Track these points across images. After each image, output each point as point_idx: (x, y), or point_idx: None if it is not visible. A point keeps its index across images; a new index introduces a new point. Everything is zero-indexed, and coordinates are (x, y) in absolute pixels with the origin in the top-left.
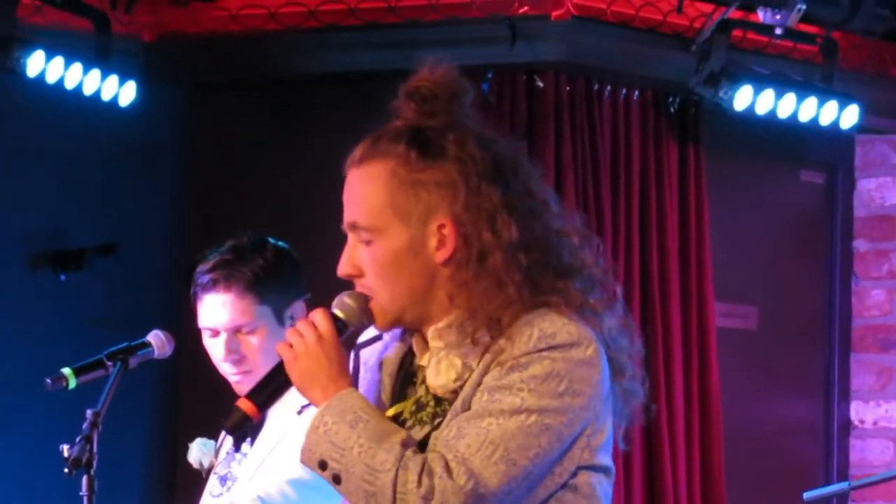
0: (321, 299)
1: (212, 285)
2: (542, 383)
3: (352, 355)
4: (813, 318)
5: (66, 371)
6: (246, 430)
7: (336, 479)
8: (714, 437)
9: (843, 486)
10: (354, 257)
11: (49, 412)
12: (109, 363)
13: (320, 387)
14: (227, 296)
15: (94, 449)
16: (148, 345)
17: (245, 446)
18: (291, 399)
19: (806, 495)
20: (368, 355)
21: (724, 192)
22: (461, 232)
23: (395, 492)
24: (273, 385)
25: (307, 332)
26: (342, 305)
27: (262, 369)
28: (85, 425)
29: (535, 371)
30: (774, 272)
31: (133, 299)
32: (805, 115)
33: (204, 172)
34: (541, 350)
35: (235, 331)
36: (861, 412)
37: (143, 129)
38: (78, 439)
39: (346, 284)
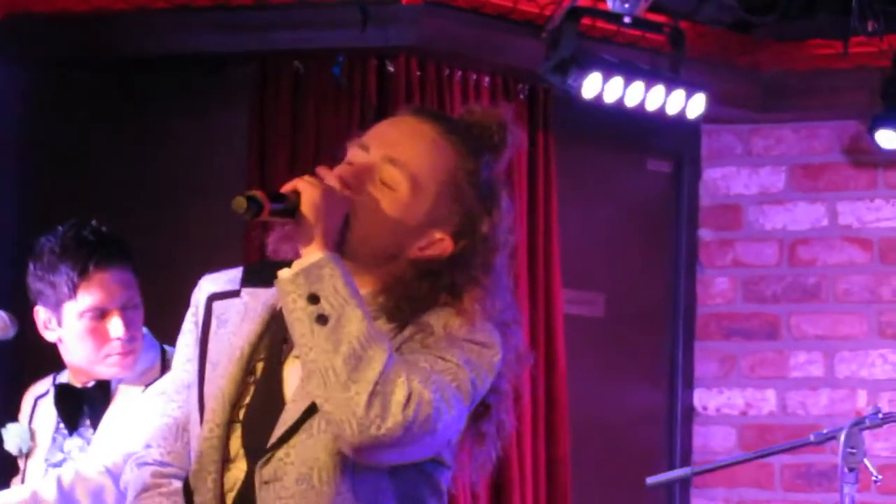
0: (172, 275)
1: (107, 262)
2: (465, 363)
3: (202, 304)
4: (658, 305)
5: None
6: (249, 213)
7: (320, 320)
8: (560, 423)
9: (685, 471)
10: (363, 177)
11: None
12: None
13: (326, 229)
14: (125, 272)
15: None
16: None
17: (84, 430)
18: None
19: (649, 481)
20: (223, 309)
21: (572, 179)
22: (450, 254)
23: (383, 370)
24: (282, 199)
25: (337, 183)
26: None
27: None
28: None
29: (456, 351)
30: (621, 259)
31: None
32: (652, 104)
33: (52, 154)
34: (465, 339)
35: (129, 307)
36: (704, 399)
37: None
38: None
39: (190, 275)
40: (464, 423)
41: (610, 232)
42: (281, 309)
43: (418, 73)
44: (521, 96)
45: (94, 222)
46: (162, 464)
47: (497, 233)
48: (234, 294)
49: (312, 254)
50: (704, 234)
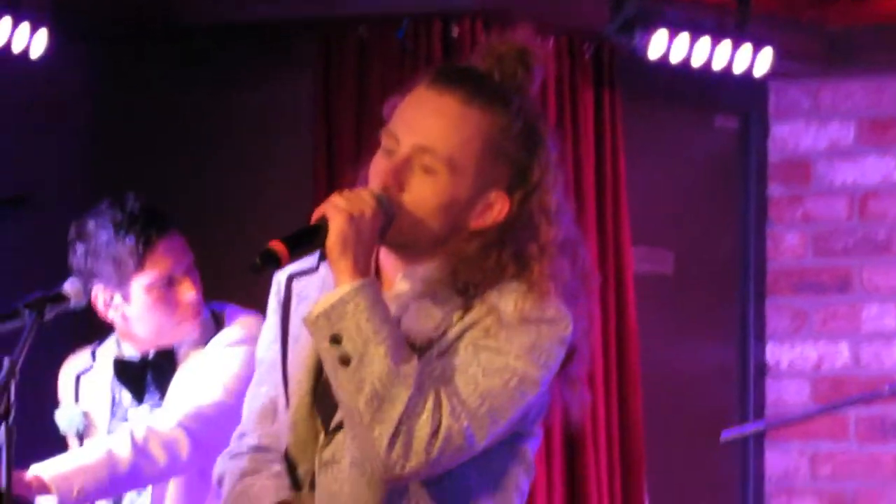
0: (233, 246)
1: (166, 230)
2: (528, 352)
3: (282, 285)
4: (728, 261)
5: None
6: (269, 268)
7: (344, 361)
8: (632, 381)
9: (759, 425)
10: (402, 173)
11: None
12: (25, 312)
13: (355, 258)
14: (179, 236)
15: (12, 399)
16: (63, 295)
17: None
18: (217, 339)
19: (724, 435)
20: (302, 287)
21: (639, 138)
22: (510, 211)
23: (406, 408)
24: (306, 239)
25: (362, 202)
26: (381, 200)
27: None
28: (1, 374)
29: (522, 339)
30: (690, 217)
31: (46, 252)
32: (719, 62)
33: (114, 124)
34: (531, 320)
35: (191, 269)
36: (776, 354)
37: (52, 80)
38: None
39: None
40: (536, 403)
41: (678, 190)
42: None
43: (483, 37)
44: (587, 57)
45: (131, 196)
46: (258, 449)
47: (548, 173)
48: (312, 271)
49: (339, 288)
50: (773, 189)
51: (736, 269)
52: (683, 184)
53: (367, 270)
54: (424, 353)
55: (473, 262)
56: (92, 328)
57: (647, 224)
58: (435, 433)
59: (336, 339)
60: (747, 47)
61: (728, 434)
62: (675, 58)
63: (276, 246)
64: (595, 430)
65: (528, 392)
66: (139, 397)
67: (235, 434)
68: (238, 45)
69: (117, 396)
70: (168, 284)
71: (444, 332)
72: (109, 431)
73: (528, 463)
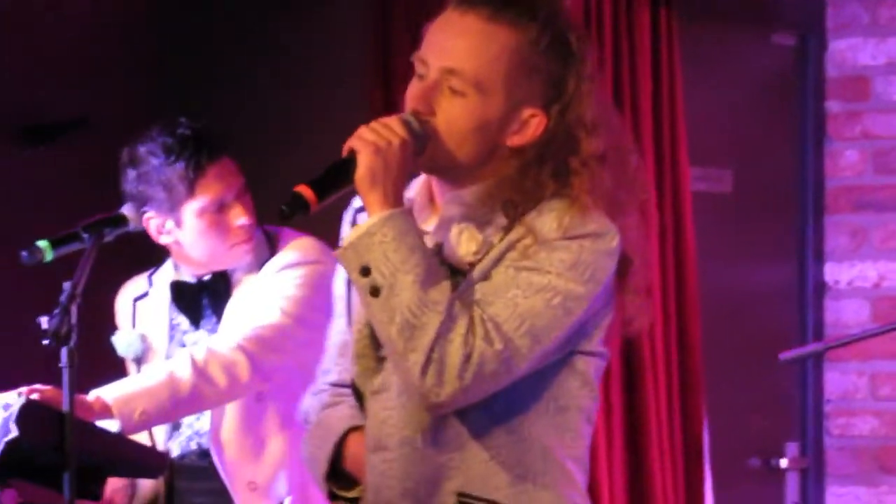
0: (289, 168)
1: (217, 154)
2: (569, 269)
3: (350, 218)
4: (786, 180)
5: (42, 244)
6: (298, 214)
7: (374, 291)
8: (690, 302)
9: (818, 345)
10: (432, 98)
11: (26, 285)
12: (85, 235)
13: (384, 189)
14: (231, 160)
15: (73, 321)
16: (123, 217)
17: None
18: (272, 262)
19: (782, 356)
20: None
21: (696, 55)
22: (549, 126)
23: (437, 335)
24: (333, 178)
25: (389, 132)
26: (412, 125)
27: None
28: (63, 297)
29: (563, 256)
30: (748, 135)
31: (109, 172)
32: None
33: (178, 44)
34: (571, 237)
35: (243, 193)
36: (835, 273)
37: (115, 2)
38: (56, 311)
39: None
40: (593, 319)
41: (735, 108)
42: (411, 202)
43: None
44: None
45: (183, 119)
46: (338, 384)
47: (584, 84)
48: None
49: (367, 220)
50: (831, 106)
51: (794, 187)
52: (740, 102)
53: (398, 200)
54: (465, 277)
55: (513, 182)
56: (150, 252)
57: (705, 143)
58: (467, 358)
59: (365, 271)
60: None
61: (787, 355)
62: None
63: (304, 190)
64: (653, 351)
65: (573, 308)
66: (195, 321)
67: (320, 370)
68: None
69: (175, 320)
70: (219, 209)
71: (485, 255)
72: (167, 356)
73: (590, 384)
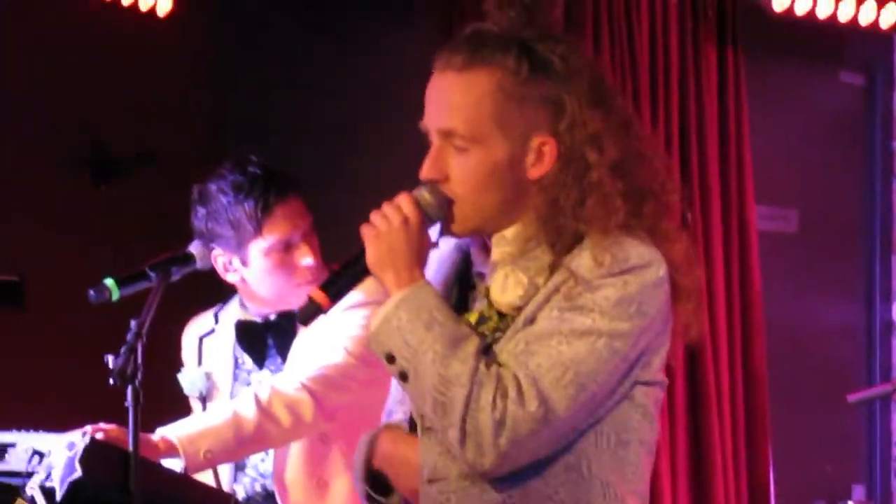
0: (356, 206)
1: (285, 194)
2: (613, 306)
3: None
4: (853, 218)
5: (109, 282)
6: (313, 319)
7: (402, 377)
8: (756, 340)
9: (886, 387)
10: (442, 162)
11: (93, 323)
12: (152, 274)
13: (395, 270)
14: (299, 200)
15: (139, 360)
16: (190, 256)
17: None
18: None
19: (850, 398)
20: (441, 254)
21: (763, 94)
22: (561, 150)
23: (467, 408)
24: (348, 274)
25: (393, 213)
26: (423, 199)
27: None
28: (129, 336)
29: (607, 293)
30: (814, 174)
31: (177, 210)
32: (844, 16)
33: (241, 80)
34: (614, 273)
35: (310, 233)
36: None
37: (180, 37)
38: (122, 350)
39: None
40: (649, 350)
41: (802, 146)
42: (469, 246)
43: None
44: (710, 13)
45: (253, 157)
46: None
47: (584, 95)
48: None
49: (383, 307)
50: None
51: (861, 226)
52: (808, 140)
53: (412, 277)
54: (511, 322)
55: (548, 215)
56: (217, 290)
57: (771, 181)
58: (499, 424)
59: (390, 358)
60: (872, 2)
61: (855, 396)
62: (800, 11)
63: (316, 296)
64: (719, 388)
65: (620, 347)
66: (260, 361)
67: (384, 410)
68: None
69: (240, 359)
70: (286, 249)
71: (530, 299)
72: (232, 394)
73: (650, 416)
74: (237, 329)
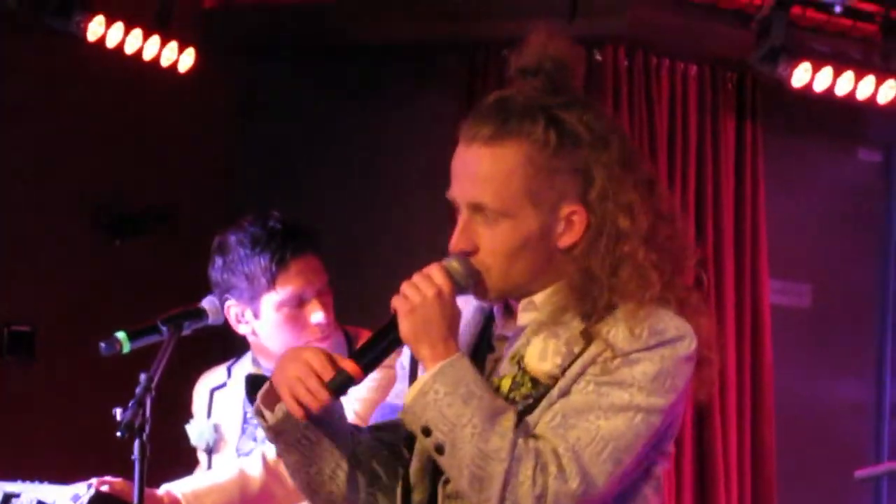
0: (376, 265)
1: (302, 250)
2: (652, 381)
3: None
4: (867, 296)
5: (121, 335)
6: (344, 391)
7: (439, 450)
8: (766, 414)
9: (894, 465)
10: (471, 233)
11: (102, 376)
12: (163, 328)
13: (430, 343)
14: (316, 258)
15: (147, 413)
16: (202, 311)
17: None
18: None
19: (857, 474)
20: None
21: (780, 168)
22: (592, 220)
23: (506, 483)
24: (381, 345)
25: (425, 285)
26: (453, 269)
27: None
28: (138, 389)
29: (645, 368)
30: (829, 250)
31: (188, 266)
32: (863, 94)
33: (260, 140)
34: (651, 347)
35: (324, 292)
36: None
37: (200, 95)
38: (131, 403)
39: (392, 259)
40: (670, 424)
41: (818, 222)
42: (492, 308)
43: (626, 63)
44: (729, 86)
45: (275, 213)
46: None
47: (614, 163)
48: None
49: (420, 379)
50: None
51: (875, 303)
52: (823, 216)
53: (448, 349)
54: (544, 389)
55: (580, 285)
56: (229, 346)
57: (786, 256)
58: (540, 499)
59: (426, 431)
60: (892, 81)
61: (862, 472)
62: (819, 88)
63: (348, 366)
64: (727, 463)
65: (654, 422)
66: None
67: None
68: (385, 65)
69: (248, 413)
70: (298, 304)
71: (566, 370)
72: (238, 448)
73: (659, 484)
74: (246, 382)
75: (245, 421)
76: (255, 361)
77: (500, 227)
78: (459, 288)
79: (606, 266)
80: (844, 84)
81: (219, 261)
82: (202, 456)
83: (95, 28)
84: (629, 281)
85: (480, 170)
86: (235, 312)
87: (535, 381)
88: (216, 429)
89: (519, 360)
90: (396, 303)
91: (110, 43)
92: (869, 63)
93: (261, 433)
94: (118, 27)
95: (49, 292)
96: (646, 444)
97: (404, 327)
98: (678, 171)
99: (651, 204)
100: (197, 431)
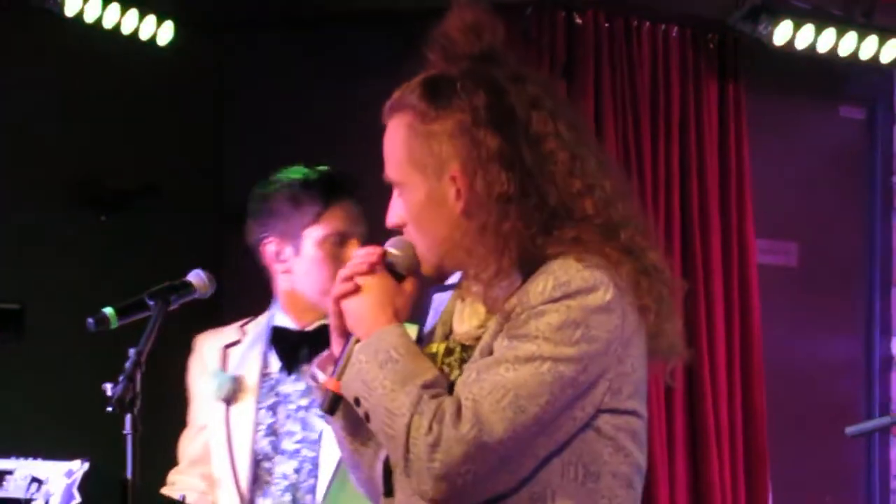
0: (365, 241)
1: (350, 193)
2: (556, 331)
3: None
4: (853, 253)
5: (108, 311)
6: (338, 408)
7: (367, 418)
8: (755, 374)
9: (885, 420)
10: (397, 208)
11: (91, 351)
12: (151, 303)
13: (365, 328)
14: (360, 210)
15: (138, 388)
16: (189, 285)
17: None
18: None
19: (848, 430)
20: (440, 301)
21: (763, 128)
22: (470, 182)
23: (408, 437)
24: (346, 349)
25: (363, 265)
26: (391, 253)
27: None
28: (127, 364)
29: (550, 319)
30: (815, 208)
31: (174, 239)
32: (845, 51)
33: (241, 112)
34: (556, 299)
35: (364, 242)
36: None
37: (181, 69)
38: (121, 378)
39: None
40: (607, 377)
41: (802, 180)
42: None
43: (606, 25)
44: (711, 46)
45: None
46: None
47: (485, 115)
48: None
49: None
50: None
51: (861, 260)
52: (808, 175)
53: (377, 324)
54: (472, 352)
55: (475, 252)
56: (216, 319)
57: (771, 216)
58: (432, 447)
59: (357, 402)
60: (874, 37)
61: (853, 429)
62: (800, 46)
63: (331, 385)
64: (718, 422)
65: (566, 372)
66: (290, 369)
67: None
68: (362, 34)
69: (268, 367)
70: (340, 242)
71: (486, 329)
72: (259, 401)
73: (625, 448)
74: (273, 333)
75: (264, 375)
76: (273, 318)
77: (403, 198)
78: (403, 270)
79: (483, 227)
80: (826, 41)
81: (261, 197)
82: (215, 409)
83: (73, 3)
84: (498, 240)
85: (385, 143)
86: (274, 250)
87: (463, 346)
88: (235, 380)
89: (448, 329)
90: (335, 306)
91: (88, 17)
92: (850, 20)
93: (286, 388)
94: (96, 1)
95: (36, 269)
96: (560, 394)
97: (348, 322)
98: (661, 134)
99: (543, 164)
100: (217, 383)
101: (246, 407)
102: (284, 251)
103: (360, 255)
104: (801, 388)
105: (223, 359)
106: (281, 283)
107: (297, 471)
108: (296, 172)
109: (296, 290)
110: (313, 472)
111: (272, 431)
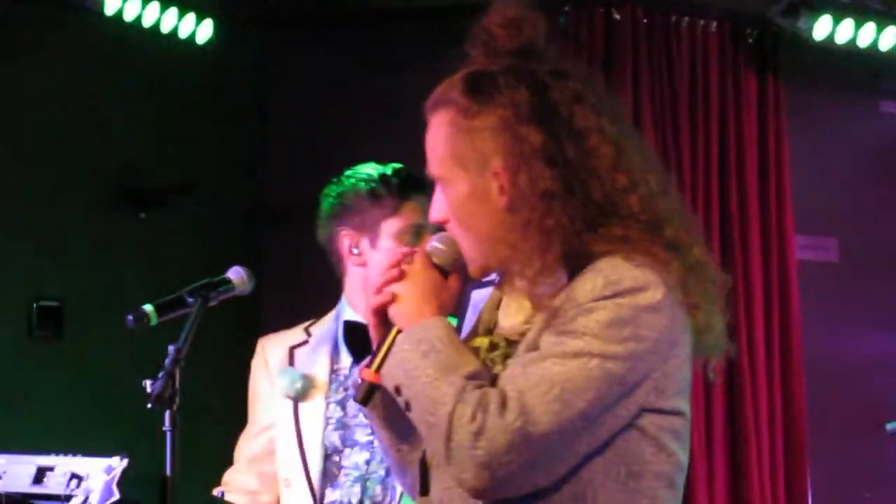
0: None
1: (425, 190)
2: (605, 329)
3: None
4: (893, 248)
5: (148, 308)
6: (373, 397)
7: (407, 407)
8: (795, 369)
9: None
10: (439, 204)
11: (132, 348)
12: (190, 300)
13: (408, 320)
14: (430, 202)
15: (177, 385)
16: (228, 281)
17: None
18: None
19: (889, 426)
20: (479, 298)
21: (803, 123)
22: (513, 178)
23: (450, 425)
24: (385, 340)
25: (409, 269)
26: (434, 249)
27: None
28: (167, 361)
29: (599, 317)
30: (855, 203)
31: (213, 237)
32: (885, 45)
33: (281, 110)
34: (606, 297)
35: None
36: None
37: (220, 66)
38: (160, 375)
39: None
40: (653, 375)
41: (842, 176)
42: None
43: (645, 21)
44: (750, 41)
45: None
46: None
47: (526, 112)
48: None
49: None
50: None
51: None
52: (848, 169)
53: (421, 316)
54: (516, 348)
55: (519, 248)
56: (256, 317)
57: (812, 211)
58: (476, 435)
59: (398, 391)
60: None
61: (893, 425)
62: (840, 41)
63: (367, 376)
64: (757, 419)
65: (613, 369)
66: (360, 362)
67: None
68: (405, 30)
69: (339, 362)
70: (416, 235)
71: (532, 325)
72: (328, 396)
73: (667, 448)
74: (345, 328)
75: (333, 370)
76: (339, 315)
77: (446, 194)
78: (446, 262)
79: (528, 223)
80: (866, 36)
81: (337, 189)
82: (284, 407)
83: (113, 1)
84: (545, 237)
85: (428, 139)
86: (349, 242)
87: (508, 341)
88: (306, 378)
89: (490, 324)
90: (377, 299)
91: (128, 16)
92: (891, 14)
93: (350, 382)
94: (135, 0)
95: (75, 267)
96: (607, 392)
97: (392, 316)
98: (700, 130)
99: (588, 161)
100: (289, 379)
101: (315, 403)
102: (360, 244)
103: (403, 249)
104: (841, 384)
105: (290, 359)
106: (352, 277)
107: (367, 462)
108: (371, 168)
109: (369, 283)
110: (383, 463)
111: (342, 425)
